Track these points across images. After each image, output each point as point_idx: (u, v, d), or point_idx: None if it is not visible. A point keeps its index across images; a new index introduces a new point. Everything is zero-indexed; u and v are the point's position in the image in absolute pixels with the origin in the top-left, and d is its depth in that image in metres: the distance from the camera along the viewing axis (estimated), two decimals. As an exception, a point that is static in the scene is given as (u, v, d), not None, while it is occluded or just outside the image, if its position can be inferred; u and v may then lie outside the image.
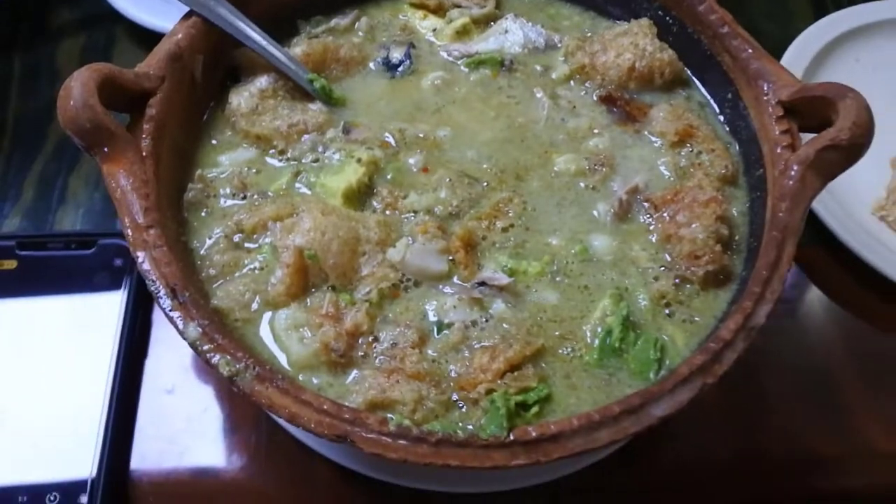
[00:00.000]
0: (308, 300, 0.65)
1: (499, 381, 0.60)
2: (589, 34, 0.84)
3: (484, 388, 0.60)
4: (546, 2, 0.87)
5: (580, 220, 0.71)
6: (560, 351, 0.64)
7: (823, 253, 0.93)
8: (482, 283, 0.66)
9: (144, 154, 0.65)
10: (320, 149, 0.73)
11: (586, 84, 0.80)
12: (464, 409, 0.60)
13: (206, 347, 0.57)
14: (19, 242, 0.83)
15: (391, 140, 0.75)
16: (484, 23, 0.84)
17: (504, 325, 0.64)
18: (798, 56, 1.08)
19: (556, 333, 0.65)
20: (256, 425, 0.77)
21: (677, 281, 0.68)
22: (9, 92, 1.01)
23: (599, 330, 0.64)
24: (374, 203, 0.70)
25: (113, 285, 0.81)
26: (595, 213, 0.72)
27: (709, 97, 0.81)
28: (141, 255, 0.61)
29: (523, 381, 0.61)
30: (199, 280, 0.65)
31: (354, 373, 0.62)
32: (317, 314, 0.63)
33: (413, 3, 0.85)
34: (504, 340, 0.63)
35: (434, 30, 0.83)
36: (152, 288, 0.60)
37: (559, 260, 0.68)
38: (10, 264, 0.82)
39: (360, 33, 0.83)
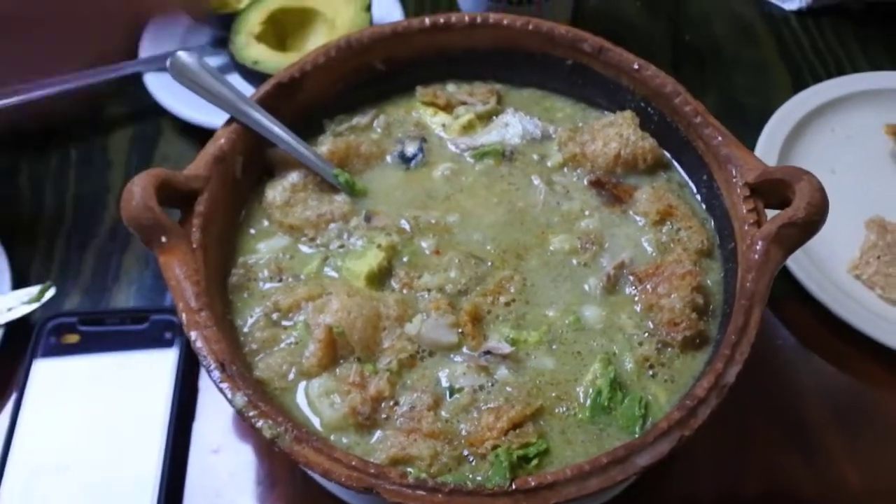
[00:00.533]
0: (337, 370, 0.75)
1: (503, 438, 0.70)
2: (580, 124, 0.94)
3: (490, 444, 0.69)
4: (541, 96, 0.98)
5: (573, 293, 0.81)
6: (556, 410, 0.73)
7: (802, 309, 1.02)
8: (488, 352, 0.75)
9: (195, 246, 0.76)
10: (345, 236, 0.84)
11: (578, 170, 0.91)
12: (473, 463, 0.69)
13: (251, 414, 0.67)
14: (81, 319, 0.94)
15: (407, 226, 0.85)
16: (487, 118, 0.95)
17: (507, 389, 0.74)
18: (779, 127, 1.18)
19: (553, 394, 0.74)
20: (293, 480, 0.87)
21: (659, 345, 0.77)
22: (67, 179, 1.13)
23: (591, 391, 0.74)
24: (393, 283, 0.81)
25: (164, 356, 0.92)
26: (586, 286, 0.81)
27: (687, 178, 0.90)
28: (194, 335, 0.71)
29: (524, 437, 0.70)
30: (242, 354, 0.75)
31: (378, 433, 0.71)
32: (345, 382, 0.73)
33: (424, 102, 0.96)
34: (507, 402, 0.72)
35: (443, 125, 0.94)
36: (204, 363, 0.70)
37: (555, 329, 0.78)
38: (74, 339, 0.93)
39: (378, 130, 0.94)
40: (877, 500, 0.90)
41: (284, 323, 0.78)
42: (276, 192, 0.86)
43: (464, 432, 0.71)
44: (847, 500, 0.89)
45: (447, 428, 0.71)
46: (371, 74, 0.95)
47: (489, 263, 0.83)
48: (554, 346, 0.77)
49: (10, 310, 0.93)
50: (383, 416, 0.72)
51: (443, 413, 0.73)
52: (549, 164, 0.91)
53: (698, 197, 0.89)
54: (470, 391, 0.73)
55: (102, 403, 0.89)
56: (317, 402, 0.73)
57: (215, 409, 0.92)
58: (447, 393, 0.74)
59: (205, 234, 0.77)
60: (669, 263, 0.81)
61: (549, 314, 0.79)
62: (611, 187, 0.89)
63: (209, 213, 0.79)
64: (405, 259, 0.82)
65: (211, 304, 0.73)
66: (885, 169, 1.17)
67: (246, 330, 0.77)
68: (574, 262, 0.83)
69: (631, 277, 0.82)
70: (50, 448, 0.86)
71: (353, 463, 0.65)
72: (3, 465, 0.84)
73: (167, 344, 0.93)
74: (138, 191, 0.74)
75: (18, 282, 0.99)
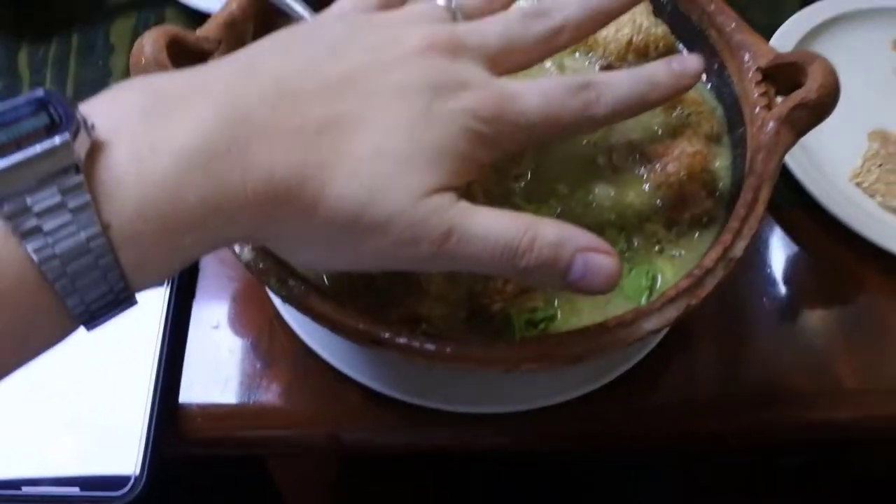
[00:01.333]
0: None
1: (511, 300, 0.70)
2: (592, 12, 0.93)
3: (499, 307, 0.70)
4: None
5: (583, 169, 0.81)
6: (564, 279, 0.73)
7: (805, 215, 1.03)
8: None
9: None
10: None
11: (590, 55, 0.90)
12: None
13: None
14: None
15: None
16: None
17: (515, 257, 0.74)
18: (785, 39, 1.17)
19: (561, 264, 0.74)
20: (294, 357, 0.87)
21: (667, 222, 0.77)
22: (67, 64, 1.11)
23: (600, 261, 0.74)
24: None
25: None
26: (597, 163, 0.81)
27: (699, 68, 0.90)
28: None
29: (532, 300, 0.70)
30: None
31: (387, 293, 0.72)
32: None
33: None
34: (515, 269, 0.72)
35: None
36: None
37: (564, 203, 0.78)
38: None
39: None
40: (870, 399, 0.91)
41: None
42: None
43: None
44: (841, 397, 0.90)
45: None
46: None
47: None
48: (563, 220, 0.77)
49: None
50: (391, 278, 0.72)
51: (454, 278, 0.73)
52: (560, 49, 0.90)
53: (708, 85, 0.89)
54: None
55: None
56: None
57: (215, 287, 0.92)
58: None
59: (213, 96, 0.76)
60: (679, 143, 0.81)
61: (558, 188, 0.79)
62: (622, 73, 0.88)
63: (218, 77, 0.78)
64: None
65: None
66: (889, 83, 1.17)
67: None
68: (584, 140, 0.83)
69: (639, 157, 0.81)
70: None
71: (363, 318, 0.65)
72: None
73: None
74: (149, 45, 0.73)
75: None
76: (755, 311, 0.94)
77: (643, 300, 0.73)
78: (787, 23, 1.19)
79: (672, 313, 0.68)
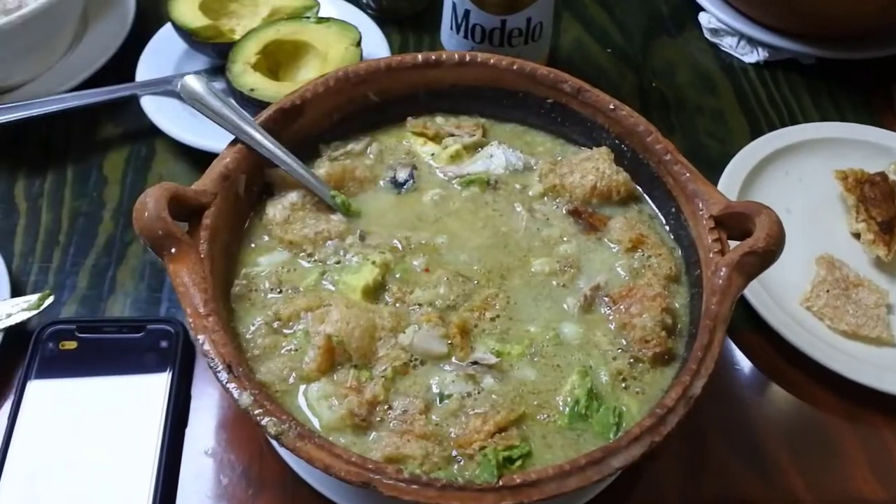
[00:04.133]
0: (335, 375, 0.79)
1: (489, 440, 0.75)
2: (559, 158, 1.01)
3: (478, 446, 0.75)
4: (523, 131, 1.05)
5: (553, 311, 0.87)
6: (538, 417, 0.79)
7: (760, 338, 1.09)
8: (475, 363, 0.81)
9: (202, 256, 0.81)
10: (341, 252, 0.89)
11: (557, 200, 0.98)
12: (461, 463, 0.75)
13: (257, 412, 0.72)
14: (79, 326, 0.98)
15: (399, 245, 0.91)
16: (473, 149, 1.02)
17: (493, 396, 0.79)
18: (738, 168, 1.26)
19: (535, 403, 0.80)
20: (283, 483, 0.91)
21: (631, 360, 0.83)
22: (63, 195, 1.17)
23: (569, 400, 0.80)
24: (387, 297, 0.86)
25: (160, 364, 0.96)
26: (565, 305, 0.88)
27: (657, 210, 0.98)
28: (202, 338, 0.76)
29: (509, 440, 0.76)
30: (245, 359, 0.80)
31: (373, 434, 0.76)
32: (343, 387, 0.78)
33: (415, 132, 1.03)
34: (493, 408, 0.78)
35: (432, 154, 1.01)
36: (212, 365, 0.75)
37: (536, 343, 0.84)
38: (72, 345, 0.96)
39: (371, 156, 1.00)
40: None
41: (285, 331, 0.83)
42: (276, 210, 0.91)
43: (453, 435, 0.77)
44: (796, 509, 0.96)
45: (437, 430, 0.77)
46: (365, 105, 1.02)
47: (475, 282, 0.89)
48: (535, 359, 0.83)
49: (8, 316, 0.97)
50: (378, 418, 0.77)
51: (433, 417, 0.78)
52: (530, 193, 0.98)
53: (667, 227, 0.97)
54: (458, 397, 0.79)
55: (100, 409, 0.92)
56: (316, 405, 0.78)
57: (207, 415, 0.96)
58: (437, 399, 0.79)
59: (211, 245, 0.82)
60: (641, 286, 0.88)
61: (530, 329, 0.85)
62: (587, 216, 0.96)
63: (215, 227, 0.84)
64: (397, 275, 0.88)
65: (217, 311, 0.78)
66: (834, 210, 1.26)
67: (248, 336, 0.82)
68: (554, 283, 0.90)
69: (606, 299, 0.88)
70: (48, 451, 0.88)
71: (353, 459, 0.70)
72: (1, 467, 0.86)
73: (163, 353, 0.96)
74: (152, 202, 0.79)
75: (15, 292, 1.02)
76: (714, 427, 1.00)
77: (611, 436, 0.78)
78: (739, 153, 1.28)
79: (637, 450, 0.74)
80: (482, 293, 0.87)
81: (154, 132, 1.20)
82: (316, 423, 0.77)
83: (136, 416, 0.91)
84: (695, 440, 0.98)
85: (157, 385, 0.94)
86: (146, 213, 0.79)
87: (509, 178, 1.00)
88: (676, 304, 0.89)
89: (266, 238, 0.91)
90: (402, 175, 0.98)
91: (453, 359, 0.82)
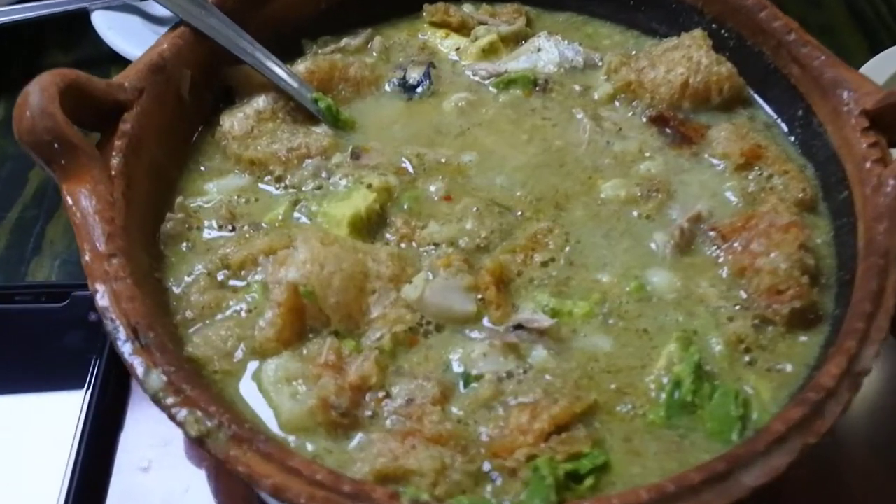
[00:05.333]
0: (304, 348, 0.53)
1: (542, 445, 0.48)
2: (633, 53, 0.74)
3: (524, 455, 0.47)
4: (583, 21, 0.78)
5: (634, 253, 0.60)
6: (618, 408, 0.51)
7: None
8: (519, 327, 0.54)
9: (113, 173, 0.55)
10: (324, 174, 0.63)
11: (633, 104, 0.70)
12: (498, 482, 0.47)
13: (170, 400, 0.45)
14: (-16, 294, 0.72)
15: (408, 166, 0.64)
16: (514, 41, 0.75)
17: (546, 377, 0.52)
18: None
19: (612, 387, 0.52)
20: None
21: (757, 322, 0.55)
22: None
23: (665, 381, 0.52)
24: (388, 235, 0.59)
25: (86, 343, 0.70)
26: (652, 245, 0.60)
27: (775, 116, 0.70)
28: (100, 289, 0.50)
29: (573, 444, 0.48)
30: (172, 324, 0.54)
31: (359, 436, 0.50)
32: (314, 364, 0.51)
33: (433, 22, 0.76)
34: (547, 395, 0.50)
35: (457, 49, 0.74)
36: (110, 327, 0.48)
37: (611, 299, 0.57)
38: (-29, 318, 0.71)
39: (374, 53, 0.74)
40: None
41: (234, 283, 0.57)
42: (234, 120, 0.65)
43: (484, 437, 0.49)
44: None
45: (460, 430, 0.49)
46: (365, -13, 0.75)
47: (518, 213, 0.62)
48: (610, 321, 0.55)
49: None
50: (368, 412, 0.51)
51: (454, 409, 0.51)
52: (595, 96, 0.71)
53: (791, 138, 0.69)
54: (493, 379, 0.52)
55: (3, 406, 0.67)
56: (272, 391, 0.51)
57: (150, 416, 0.69)
58: (460, 382, 0.52)
59: (130, 160, 0.57)
60: (765, 214, 0.60)
61: (602, 279, 0.58)
62: (677, 124, 0.68)
63: (139, 136, 0.58)
64: (405, 206, 0.61)
65: (129, 252, 0.52)
66: None
67: (179, 292, 0.56)
68: (634, 213, 0.62)
69: (712, 233, 0.60)
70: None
71: (319, 477, 0.43)
72: None
73: (93, 328, 0.70)
74: (37, 93, 0.54)
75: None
76: (856, 460, 0.69)
77: (734, 436, 0.50)
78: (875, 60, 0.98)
79: (782, 459, 0.45)
80: (529, 228, 0.61)
81: (110, 59, 0.97)
82: (271, 420, 0.50)
83: (50, 418, 0.66)
84: (828, 479, 0.67)
85: (79, 372, 0.68)
86: (27, 110, 0.53)
87: (565, 78, 0.72)
88: (816, 242, 0.60)
89: (219, 158, 0.65)
90: (414, 75, 0.71)
91: (485, 321, 0.55)
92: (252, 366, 0.52)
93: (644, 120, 0.69)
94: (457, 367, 0.53)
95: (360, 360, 0.51)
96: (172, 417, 0.45)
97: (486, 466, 0.48)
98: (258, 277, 0.56)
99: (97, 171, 0.54)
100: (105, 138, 0.58)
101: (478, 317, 0.55)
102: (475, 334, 0.54)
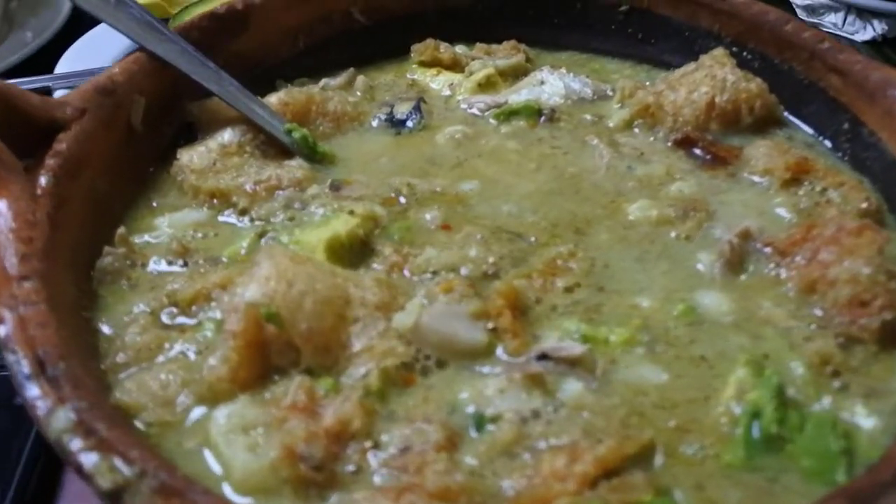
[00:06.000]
0: (267, 392, 0.41)
1: (588, 493, 0.35)
2: (648, 84, 0.66)
3: (566, 505, 0.34)
4: (587, 59, 0.71)
5: (676, 275, 0.49)
6: (682, 449, 0.39)
7: None
8: (543, 357, 0.42)
9: (39, 192, 0.45)
10: (297, 206, 0.53)
11: (654, 129, 0.61)
12: (532, 552, 0.34)
13: (76, 444, 0.33)
14: None
15: (399, 197, 0.54)
16: (512, 75, 0.67)
17: (584, 415, 0.40)
18: None
19: (671, 424, 0.40)
20: None
21: (841, 340, 0.44)
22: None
23: (739, 412, 0.40)
24: (374, 265, 0.49)
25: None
26: (699, 266, 0.50)
27: (816, 134, 0.61)
28: (4, 316, 0.38)
29: (630, 491, 0.35)
30: (98, 369, 0.42)
31: (338, 497, 0.37)
32: (278, 407, 0.39)
33: (423, 62, 0.68)
34: (588, 436, 0.38)
35: (451, 84, 0.66)
36: (11, 361, 0.37)
37: (655, 325, 0.45)
38: None
39: (358, 93, 0.65)
40: None
41: (182, 321, 0.45)
42: (194, 153, 0.56)
43: (509, 491, 0.37)
44: None
45: (475, 483, 0.37)
46: (347, 28, 0.69)
47: (532, 239, 0.51)
48: (658, 349, 0.44)
49: None
50: (349, 466, 0.38)
51: (465, 458, 0.38)
52: (609, 124, 0.63)
53: (839, 155, 0.59)
54: (514, 420, 0.40)
55: None
56: (223, 443, 0.38)
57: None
58: (472, 424, 0.40)
59: (63, 182, 0.48)
60: (830, 220, 0.49)
61: (641, 304, 0.47)
62: (706, 145, 0.59)
63: (77, 158, 0.49)
64: (395, 237, 0.51)
65: (48, 277, 0.42)
66: None
67: (111, 333, 0.45)
68: (671, 234, 0.52)
69: (767, 250, 0.50)
70: None
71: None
72: None
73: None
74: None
75: None
76: None
77: (841, 476, 0.37)
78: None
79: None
80: (545, 254, 0.50)
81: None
82: (222, 479, 0.37)
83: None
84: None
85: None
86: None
87: (573, 109, 0.64)
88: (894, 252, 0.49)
89: (174, 194, 0.55)
90: (402, 110, 0.63)
91: (499, 352, 0.43)
92: (198, 414, 0.40)
93: (669, 144, 0.60)
94: (468, 408, 0.40)
95: (340, 400, 0.39)
96: (78, 467, 0.33)
97: (513, 531, 0.35)
98: (213, 315, 0.45)
99: (18, 187, 0.45)
100: (38, 158, 0.48)
101: (489, 349, 0.43)
102: (487, 369, 0.43)
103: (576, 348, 0.42)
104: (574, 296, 0.47)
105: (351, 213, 0.51)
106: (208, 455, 0.38)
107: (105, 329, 0.45)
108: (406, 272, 0.48)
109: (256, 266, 0.43)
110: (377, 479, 0.37)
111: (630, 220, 0.53)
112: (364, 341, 0.42)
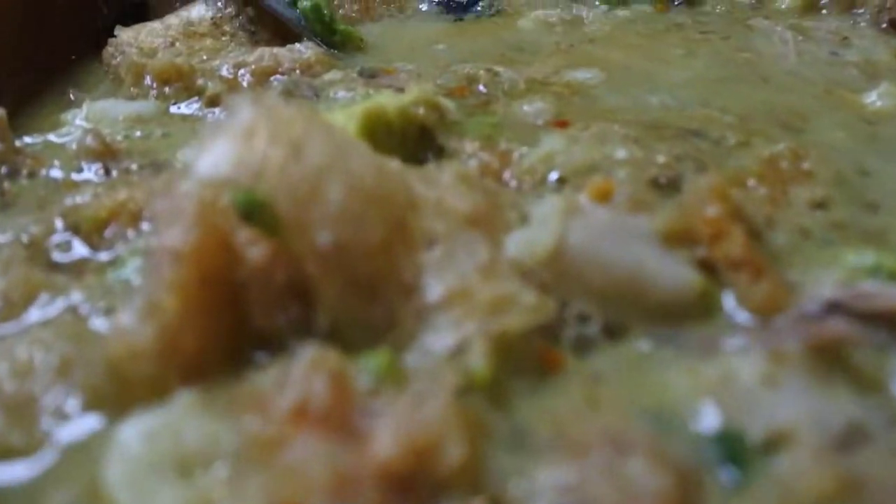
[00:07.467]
0: (242, 384, 0.18)
1: None
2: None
3: None
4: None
5: None
6: None
7: None
8: (834, 307, 0.20)
9: None
10: (307, 91, 0.32)
11: (853, 11, 0.41)
12: None
13: None
14: None
15: (476, 86, 0.33)
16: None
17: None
18: None
19: None
20: None
21: None
22: None
23: None
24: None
25: None
26: None
27: None
28: None
29: None
30: None
31: None
32: (266, 415, 0.17)
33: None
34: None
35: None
36: None
37: None
38: None
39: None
40: None
41: (82, 255, 0.23)
42: (143, 31, 0.36)
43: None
44: None
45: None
46: None
47: (716, 135, 0.29)
48: None
49: None
50: None
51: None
52: (782, 6, 0.42)
53: None
54: (815, 444, 0.17)
55: None
56: (134, 489, 0.15)
57: None
58: (719, 457, 0.17)
59: None
60: None
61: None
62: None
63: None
64: (475, 135, 0.29)
65: None
66: None
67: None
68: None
69: None
70: None
71: None
72: None
73: None
74: None
75: None
76: None
77: None
78: None
79: None
80: (752, 154, 0.27)
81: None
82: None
83: None
84: None
85: None
86: None
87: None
88: None
89: (105, 87, 0.34)
90: (464, -12, 0.42)
91: (727, 305, 0.20)
92: (84, 428, 0.18)
93: (883, 26, 0.40)
94: (690, 420, 0.18)
95: (408, 402, 0.17)
96: None
97: None
98: (142, 243, 0.23)
99: None
100: None
101: (706, 298, 0.21)
102: (712, 339, 0.20)
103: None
104: (831, 214, 0.25)
105: (400, 90, 0.29)
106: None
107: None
108: (507, 176, 0.26)
109: (229, 119, 0.21)
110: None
111: (871, 111, 0.32)
112: (451, 280, 0.20)
